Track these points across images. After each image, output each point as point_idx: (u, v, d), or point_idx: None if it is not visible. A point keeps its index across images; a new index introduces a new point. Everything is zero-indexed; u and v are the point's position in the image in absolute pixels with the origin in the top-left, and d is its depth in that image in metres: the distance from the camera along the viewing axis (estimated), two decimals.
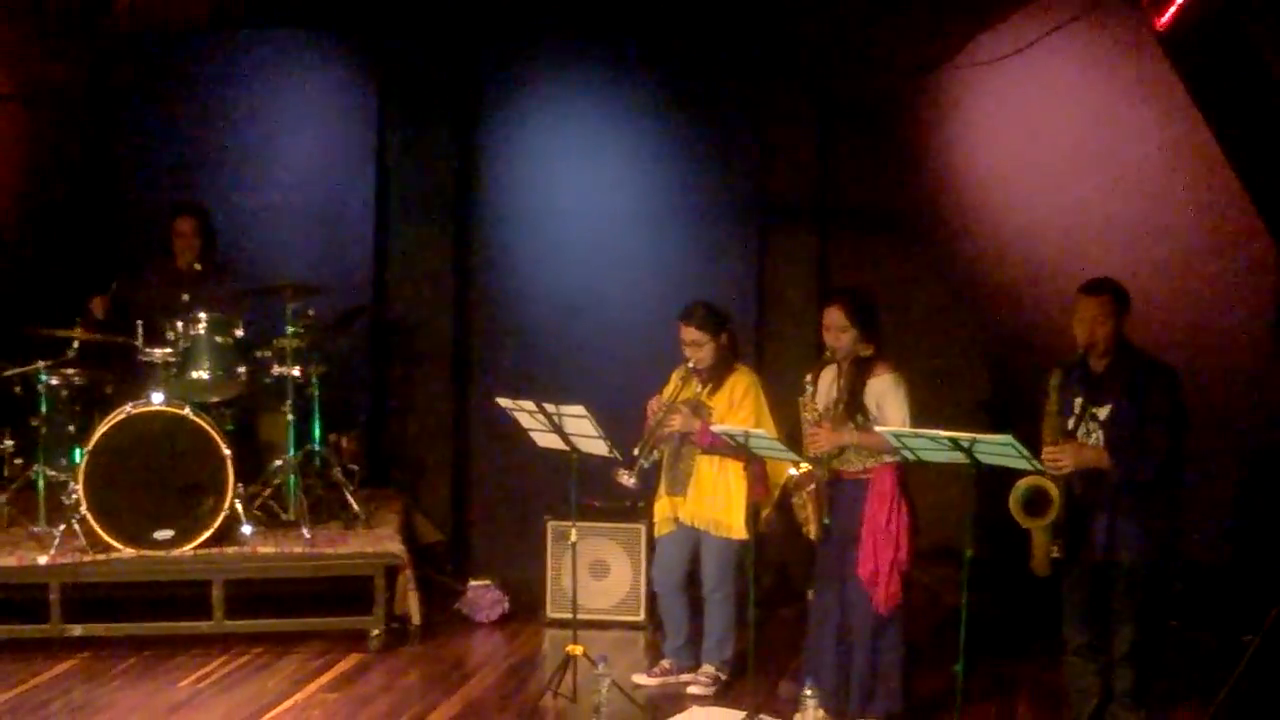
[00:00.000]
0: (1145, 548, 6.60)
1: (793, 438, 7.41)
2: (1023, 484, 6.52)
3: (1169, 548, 6.68)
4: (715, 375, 7.95)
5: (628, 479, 7.76)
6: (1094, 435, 6.63)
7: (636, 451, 7.79)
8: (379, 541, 8.99)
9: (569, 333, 10.31)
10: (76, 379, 9.13)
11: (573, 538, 8.00)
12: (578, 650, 7.76)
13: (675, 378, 8.04)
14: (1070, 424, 6.61)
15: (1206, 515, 8.44)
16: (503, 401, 7.88)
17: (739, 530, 7.84)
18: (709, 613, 8.11)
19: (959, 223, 9.71)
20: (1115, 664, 6.78)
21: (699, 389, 7.97)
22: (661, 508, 8.18)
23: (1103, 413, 6.61)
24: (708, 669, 8.10)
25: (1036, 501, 6.52)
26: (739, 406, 7.87)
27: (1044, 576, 6.72)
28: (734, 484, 7.87)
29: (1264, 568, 8.17)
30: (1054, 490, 6.48)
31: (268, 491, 9.35)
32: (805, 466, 7.21)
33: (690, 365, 7.92)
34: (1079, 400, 6.62)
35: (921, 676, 7.58)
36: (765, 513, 7.96)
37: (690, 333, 7.86)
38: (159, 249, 9.71)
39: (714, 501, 7.94)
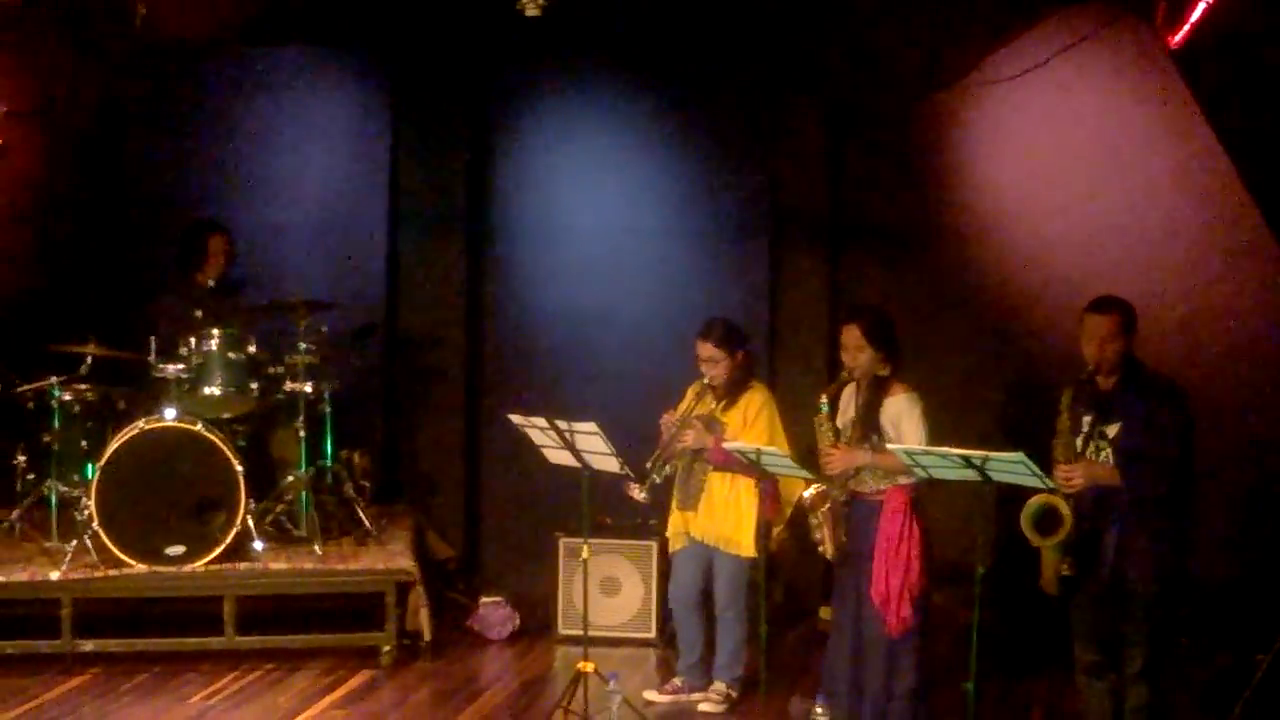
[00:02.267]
0: (1155, 566, 6.57)
1: (806, 455, 7.39)
2: (1034, 502, 6.50)
3: (1179, 565, 6.66)
4: (730, 392, 7.94)
5: (639, 494, 7.75)
6: (1103, 454, 6.61)
7: (649, 466, 7.79)
8: (390, 558, 8.98)
9: (581, 349, 10.31)
10: (89, 395, 9.14)
11: (584, 554, 7.99)
12: (589, 667, 7.73)
13: (691, 393, 8.04)
14: (1079, 443, 6.59)
15: (1216, 532, 8.43)
16: (514, 418, 7.87)
17: (749, 548, 7.84)
18: (721, 630, 8.11)
19: (971, 239, 9.71)
20: (1128, 683, 6.76)
21: (714, 405, 7.97)
22: (674, 523, 8.18)
23: (1111, 431, 6.59)
24: (719, 686, 8.08)
25: (1048, 520, 6.49)
26: (753, 424, 7.86)
27: (1053, 595, 6.69)
28: (745, 501, 7.87)
29: (1275, 584, 8.16)
30: (1065, 509, 6.45)
31: (279, 507, 9.35)
32: (819, 487, 7.18)
33: (706, 381, 7.92)
34: (1087, 419, 6.60)
35: (933, 695, 7.55)
36: (777, 530, 7.95)
37: (707, 349, 7.86)
38: (181, 266, 9.69)
39: (725, 519, 7.94)
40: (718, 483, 7.96)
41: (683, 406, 7.99)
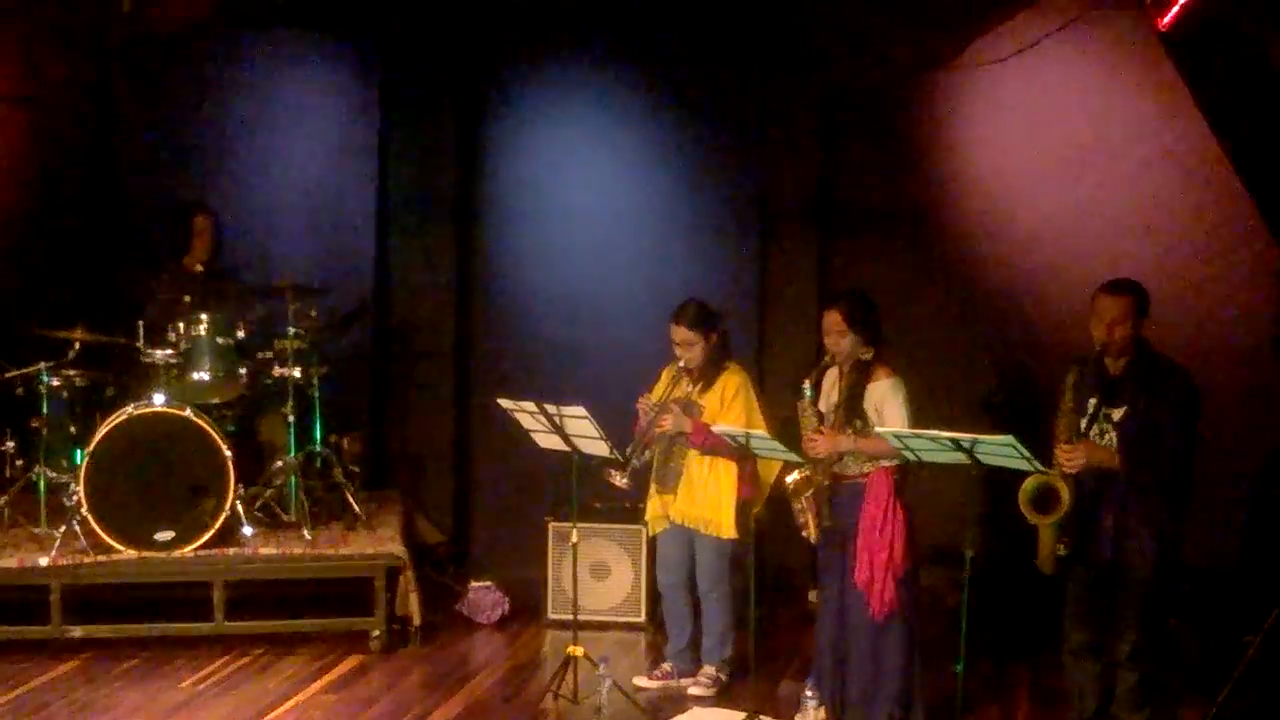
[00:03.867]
0: (1152, 550, 6.57)
1: (785, 436, 7.38)
2: (1032, 480, 6.50)
3: (1176, 551, 6.66)
4: (706, 374, 7.92)
5: (620, 480, 7.75)
6: (1107, 436, 6.61)
7: (629, 451, 7.77)
8: (380, 543, 8.98)
9: (570, 334, 10.31)
10: (77, 380, 9.11)
11: (574, 539, 8.00)
12: (578, 651, 7.75)
13: (665, 376, 8.03)
14: (1083, 424, 6.58)
15: (1210, 517, 8.42)
16: (504, 402, 7.86)
17: (729, 529, 7.84)
18: (706, 613, 8.09)
19: (961, 223, 9.71)
20: (1118, 666, 6.76)
21: (690, 388, 7.95)
22: (653, 506, 8.16)
23: (1117, 414, 6.58)
24: (708, 669, 8.08)
25: (1045, 498, 6.50)
26: (730, 406, 7.84)
27: (1049, 575, 6.69)
28: (724, 483, 7.86)
29: (1267, 569, 8.16)
30: (1064, 488, 6.46)
31: (269, 493, 9.34)
32: (802, 473, 7.17)
33: (681, 364, 7.90)
34: (1093, 400, 6.59)
35: (922, 677, 7.56)
36: (755, 510, 7.95)
37: (681, 332, 7.83)
38: (167, 250, 9.69)
39: (704, 500, 7.92)
40: (696, 465, 7.94)
41: (658, 390, 7.98)
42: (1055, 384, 6.77)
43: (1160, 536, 6.61)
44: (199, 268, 9.51)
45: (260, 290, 9.49)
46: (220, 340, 9.06)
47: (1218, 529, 8.66)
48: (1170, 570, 6.69)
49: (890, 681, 7.15)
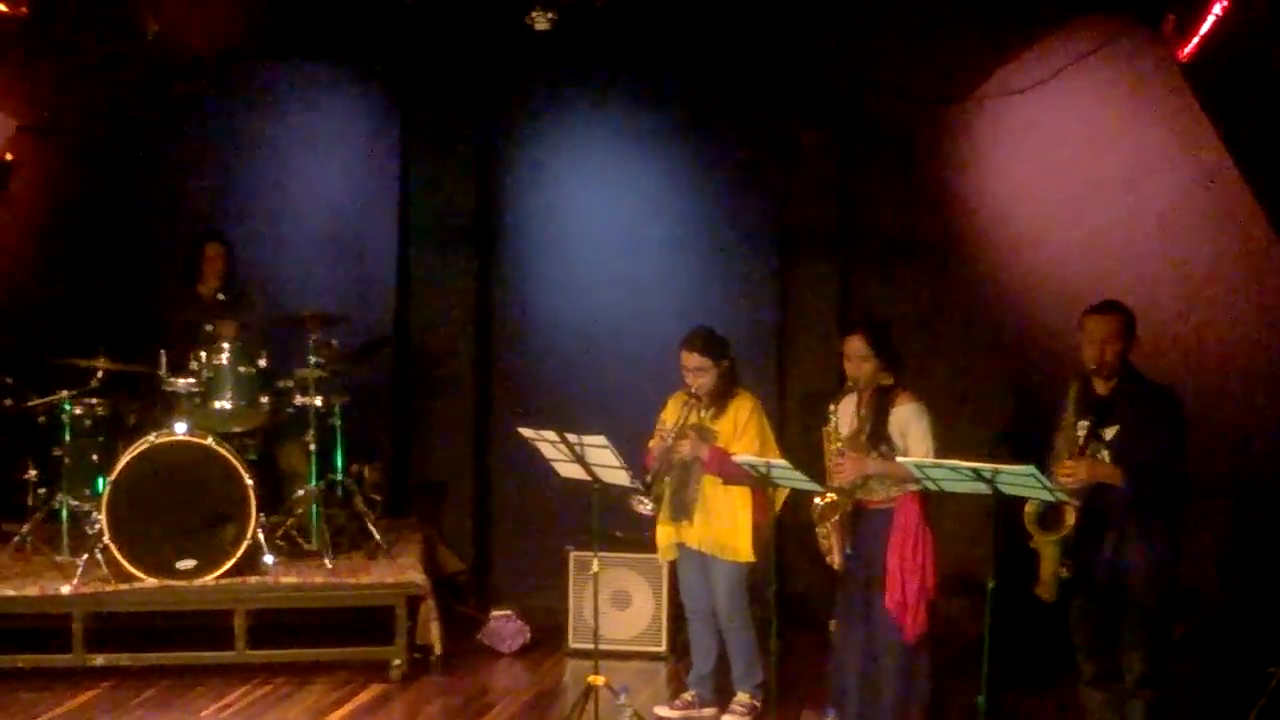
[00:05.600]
0: (1151, 568, 6.58)
1: (799, 461, 7.39)
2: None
3: (1174, 569, 6.67)
4: (718, 400, 7.94)
5: (646, 508, 7.75)
6: (1099, 455, 6.63)
7: (649, 480, 7.77)
8: (401, 571, 8.99)
9: (591, 362, 10.32)
10: (100, 409, 9.17)
11: (595, 568, 7.98)
12: (599, 681, 7.73)
13: (673, 404, 8.05)
14: (1080, 439, 6.61)
15: (1219, 542, 8.40)
16: (525, 431, 7.87)
17: (746, 553, 7.87)
18: (730, 641, 8.08)
19: (981, 252, 9.70)
20: (1129, 693, 6.75)
21: (703, 414, 7.96)
22: (664, 535, 8.14)
23: (1109, 434, 6.62)
24: (743, 698, 8.06)
25: (1050, 516, 6.52)
26: (744, 431, 7.86)
27: (1050, 602, 6.69)
28: (739, 507, 7.88)
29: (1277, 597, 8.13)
30: (1070, 507, 6.48)
31: (290, 521, 9.36)
32: (831, 498, 7.18)
33: (692, 391, 7.91)
34: (1084, 423, 6.63)
35: (944, 708, 7.54)
36: (765, 536, 7.97)
37: (694, 359, 7.86)
38: (183, 278, 9.75)
39: (720, 525, 7.92)
40: (711, 490, 7.95)
41: (670, 418, 8.00)
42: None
43: (1158, 555, 6.62)
44: (220, 296, 9.55)
45: (281, 319, 9.52)
46: (242, 369, 9.09)
47: (1234, 558, 8.64)
48: (1171, 589, 6.69)
49: (919, 701, 7.17)
